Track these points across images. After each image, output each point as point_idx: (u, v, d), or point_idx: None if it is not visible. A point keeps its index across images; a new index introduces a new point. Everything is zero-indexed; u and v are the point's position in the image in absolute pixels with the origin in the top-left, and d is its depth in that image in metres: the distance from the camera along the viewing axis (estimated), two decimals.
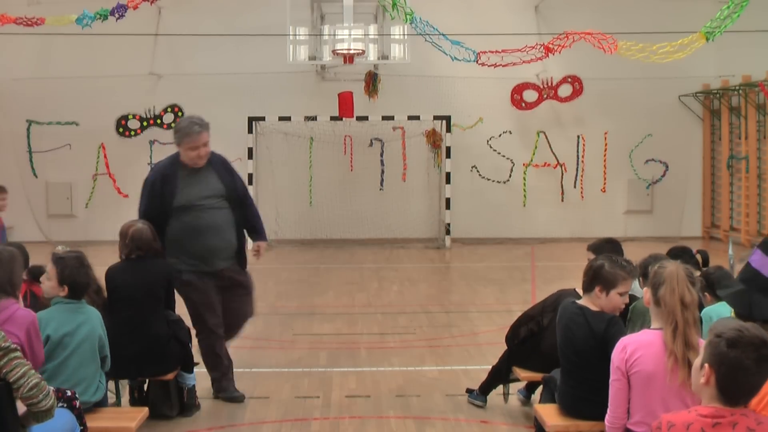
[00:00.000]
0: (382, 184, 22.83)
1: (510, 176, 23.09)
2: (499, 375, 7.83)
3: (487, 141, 22.85)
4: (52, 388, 4.74)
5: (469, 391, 8.16)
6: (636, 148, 23.07)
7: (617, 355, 4.88)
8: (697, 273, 6.24)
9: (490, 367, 8.01)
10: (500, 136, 22.90)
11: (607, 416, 4.99)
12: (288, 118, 21.76)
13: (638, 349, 4.83)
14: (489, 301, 13.84)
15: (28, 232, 21.25)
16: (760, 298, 4.73)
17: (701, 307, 5.93)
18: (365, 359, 10.08)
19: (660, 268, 4.96)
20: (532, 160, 23.09)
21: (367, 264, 18.84)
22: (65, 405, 5.28)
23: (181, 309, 8.04)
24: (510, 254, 20.15)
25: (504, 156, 22.96)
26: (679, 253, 7.33)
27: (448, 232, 21.84)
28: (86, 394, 5.93)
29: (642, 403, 4.83)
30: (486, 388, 7.97)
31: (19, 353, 4.56)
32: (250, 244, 8.74)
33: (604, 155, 23.18)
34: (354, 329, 11.85)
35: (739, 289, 4.93)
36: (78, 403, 5.40)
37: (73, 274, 6.08)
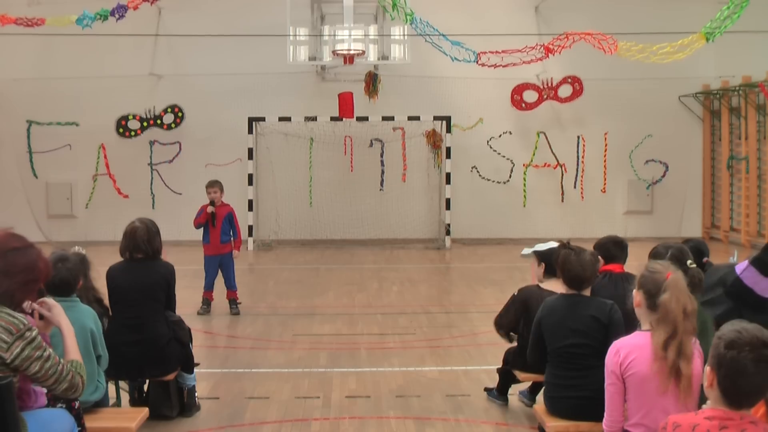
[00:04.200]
0: (382, 185, 22.83)
1: (510, 177, 23.10)
2: (508, 376, 7.87)
3: (487, 141, 22.86)
4: (76, 374, 4.79)
5: (488, 390, 8.22)
6: (636, 149, 23.07)
7: (611, 359, 4.86)
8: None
9: (491, 367, 8.02)
10: (500, 136, 22.90)
11: (604, 420, 4.98)
12: (288, 119, 21.76)
13: (631, 352, 4.81)
14: (489, 302, 13.80)
15: (29, 233, 21.08)
16: (750, 315, 4.69)
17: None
18: (365, 360, 10.07)
19: (654, 273, 4.89)
20: (532, 161, 23.10)
21: (367, 264, 18.83)
22: (64, 405, 5.27)
23: (181, 309, 8.02)
24: (510, 255, 20.07)
25: (504, 156, 22.96)
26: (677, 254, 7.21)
27: (448, 233, 21.83)
28: (84, 394, 5.88)
29: (639, 405, 4.82)
30: (502, 388, 8.03)
31: (42, 356, 4.59)
32: None
33: (604, 156, 23.18)
34: (354, 330, 11.84)
35: (729, 308, 4.89)
36: (77, 404, 5.39)
37: (58, 271, 6.02)
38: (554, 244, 7.50)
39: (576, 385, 5.94)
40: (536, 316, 6.34)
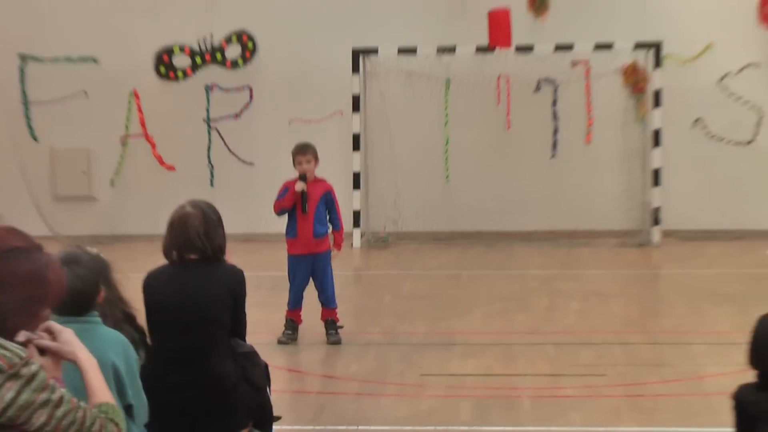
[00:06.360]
0: (554, 149, 22.81)
1: (756, 135, 22.78)
2: None
3: (720, 80, 22.59)
4: (107, 421, 4.91)
5: None
6: None
7: None
8: None
9: (725, 430, 7.95)
10: (740, 72, 22.60)
11: None
12: (412, 51, 21.86)
13: None
14: (722, 328, 13.73)
15: (25, 224, 21.62)
16: None
17: None
18: (529, 413, 10.15)
19: None
20: None
21: (531, 270, 18.88)
22: None
23: (253, 336, 8.15)
24: (754, 256, 19.88)
25: (747, 103, 22.65)
26: None
27: (656, 222, 21.73)
28: None
29: None
30: None
31: (49, 400, 4.72)
32: None
33: None
34: (512, 368, 11.91)
35: None
36: None
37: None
38: None
39: None
40: None
